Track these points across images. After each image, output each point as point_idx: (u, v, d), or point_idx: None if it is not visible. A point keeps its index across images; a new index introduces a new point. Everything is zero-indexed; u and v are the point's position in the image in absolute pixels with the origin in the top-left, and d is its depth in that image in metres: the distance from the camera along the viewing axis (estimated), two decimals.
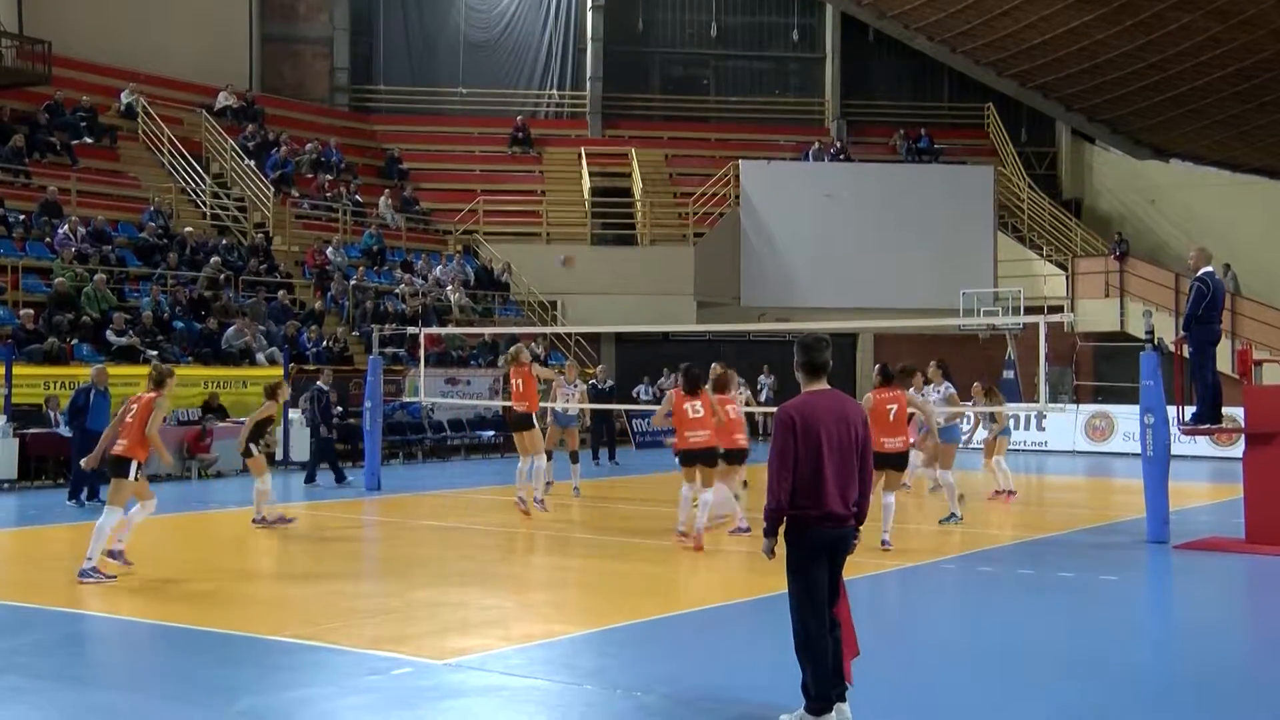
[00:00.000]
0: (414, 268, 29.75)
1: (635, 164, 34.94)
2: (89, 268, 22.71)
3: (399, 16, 36.96)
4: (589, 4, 37.06)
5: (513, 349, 15.92)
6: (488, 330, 27.28)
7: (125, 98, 29.74)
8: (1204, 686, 7.68)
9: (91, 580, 10.50)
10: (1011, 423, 20.85)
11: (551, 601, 10.35)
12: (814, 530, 6.37)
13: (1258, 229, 34.29)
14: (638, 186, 34.29)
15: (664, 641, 8.80)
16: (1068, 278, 33.30)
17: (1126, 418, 25.38)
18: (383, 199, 31.95)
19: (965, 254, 32.82)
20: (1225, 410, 14.12)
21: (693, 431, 12.82)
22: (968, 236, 33.20)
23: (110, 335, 21.17)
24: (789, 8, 38.44)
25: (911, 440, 14.88)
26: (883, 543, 12.34)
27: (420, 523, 14.98)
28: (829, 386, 6.58)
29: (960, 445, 16.06)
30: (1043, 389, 15.94)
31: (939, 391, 16.02)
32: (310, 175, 31.29)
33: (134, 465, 10.91)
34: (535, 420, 15.61)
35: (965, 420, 16.98)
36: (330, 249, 28.20)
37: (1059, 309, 30.25)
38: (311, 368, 23.40)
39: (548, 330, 27.17)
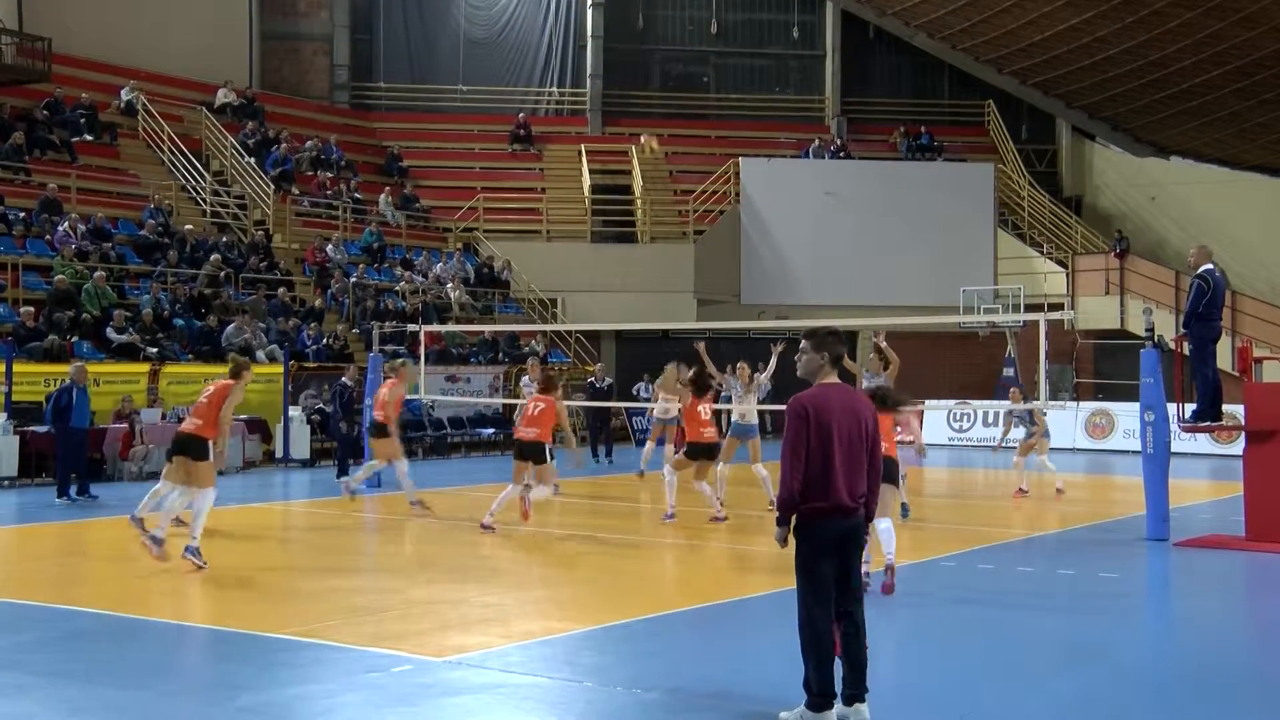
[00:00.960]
0: (414, 265, 29.75)
1: (635, 160, 34.95)
2: (89, 265, 22.70)
3: (399, 13, 36.95)
4: (589, 1, 37.05)
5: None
6: (488, 328, 27.29)
7: (125, 95, 29.75)
8: (1203, 683, 7.69)
9: (191, 558, 10.88)
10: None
11: (552, 599, 10.35)
12: (823, 525, 6.38)
13: (1258, 226, 34.32)
14: (638, 184, 34.29)
15: (664, 638, 8.80)
16: (1068, 275, 33.29)
17: (1127, 415, 25.42)
18: (383, 196, 31.95)
19: (965, 251, 32.81)
20: (1225, 407, 14.13)
21: (706, 429, 14.23)
22: (968, 234, 33.19)
23: (110, 333, 21.17)
24: (789, 5, 38.42)
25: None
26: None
27: (420, 520, 14.98)
28: (839, 380, 6.61)
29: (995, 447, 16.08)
30: (1043, 386, 15.96)
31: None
32: (310, 173, 31.28)
33: (210, 444, 11.23)
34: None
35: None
36: (330, 246, 28.19)
37: (1059, 306, 30.27)
38: (311, 365, 23.42)
39: (547, 328, 27.16)
